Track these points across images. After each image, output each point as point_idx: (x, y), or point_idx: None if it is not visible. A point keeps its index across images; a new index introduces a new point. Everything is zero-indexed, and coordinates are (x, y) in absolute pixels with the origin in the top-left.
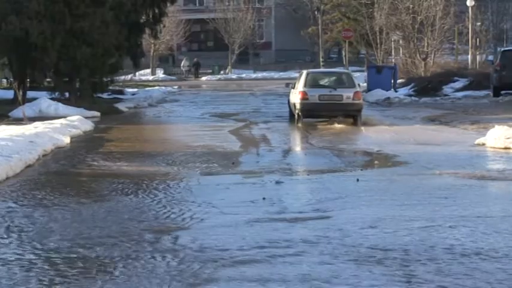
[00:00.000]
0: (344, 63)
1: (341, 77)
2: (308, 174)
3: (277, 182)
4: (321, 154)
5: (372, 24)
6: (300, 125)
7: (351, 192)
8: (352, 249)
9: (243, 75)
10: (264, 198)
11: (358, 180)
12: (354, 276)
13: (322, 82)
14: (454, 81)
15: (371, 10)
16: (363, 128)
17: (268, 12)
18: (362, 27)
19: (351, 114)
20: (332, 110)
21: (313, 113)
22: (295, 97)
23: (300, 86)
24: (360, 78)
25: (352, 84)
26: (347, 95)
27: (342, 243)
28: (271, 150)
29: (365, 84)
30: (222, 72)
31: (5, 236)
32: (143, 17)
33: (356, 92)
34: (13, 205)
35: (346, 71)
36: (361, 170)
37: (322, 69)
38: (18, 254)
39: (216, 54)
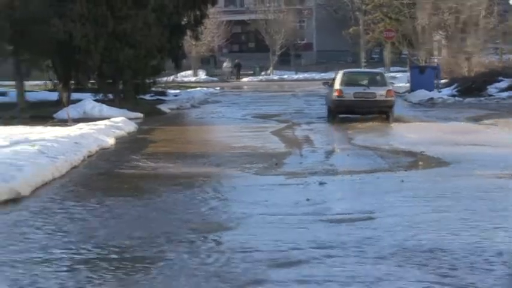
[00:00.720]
0: (386, 63)
1: (374, 77)
2: (352, 175)
3: (321, 183)
4: (365, 155)
5: (414, 24)
6: (340, 125)
7: (396, 193)
8: (397, 250)
9: (285, 76)
10: (307, 199)
11: (402, 181)
12: (400, 278)
13: (357, 81)
14: (498, 81)
15: (413, 10)
16: (405, 128)
17: (309, 13)
18: (404, 27)
19: (383, 111)
20: (366, 106)
21: (348, 109)
22: (332, 95)
23: (336, 84)
24: (403, 78)
25: (384, 83)
26: (380, 92)
27: (388, 244)
28: (314, 151)
29: (408, 84)
30: (263, 73)
31: (51, 236)
32: (185, 19)
33: (388, 90)
34: (59, 205)
35: (379, 71)
36: (405, 170)
37: (357, 69)
38: (63, 253)
39: (257, 56)
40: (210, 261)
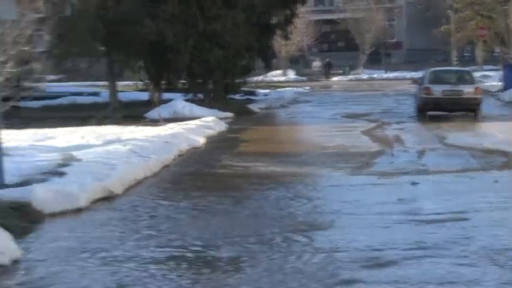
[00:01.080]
0: (477, 62)
1: (462, 75)
2: (444, 175)
3: (413, 183)
4: (457, 154)
5: (507, 21)
6: (430, 124)
7: (488, 194)
8: (491, 252)
9: (374, 76)
10: (399, 199)
11: (496, 181)
12: (496, 279)
13: (445, 79)
14: None
15: (505, 7)
16: (497, 127)
17: (399, 12)
18: (496, 25)
19: (471, 108)
20: (454, 104)
21: (436, 106)
22: (421, 93)
23: (425, 82)
24: (495, 77)
25: (472, 81)
26: (468, 90)
27: (481, 244)
28: (405, 151)
29: (500, 83)
30: (352, 72)
31: (142, 234)
32: (274, 19)
33: (476, 88)
34: (151, 204)
35: (466, 69)
36: (499, 170)
37: (445, 68)
38: (155, 252)
39: (347, 55)
40: (301, 261)
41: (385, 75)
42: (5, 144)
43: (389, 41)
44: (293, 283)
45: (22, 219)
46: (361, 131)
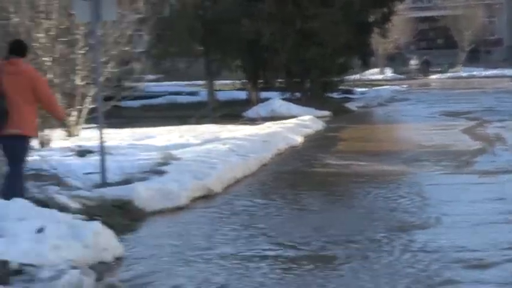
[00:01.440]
0: None
1: None
2: None
3: None
4: None
5: None
6: None
7: None
8: None
9: (474, 73)
10: (501, 199)
11: None
12: None
13: None
14: None
15: None
16: None
17: (499, 8)
18: None
19: None
20: None
21: None
22: None
23: None
24: None
25: None
26: None
27: None
28: (507, 150)
29: None
30: (451, 70)
31: (241, 232)
32: (372, 16)
33: None
34: (250, 203)
35: None
36: None
37: None
38: (253, 250)
39: (445, 52)
40: (402, 260)
41: (485, 73)
42: (107, 143)
43: (489, 38)
44: (392, 283)
45: (124, 217)
46: (460, 129)
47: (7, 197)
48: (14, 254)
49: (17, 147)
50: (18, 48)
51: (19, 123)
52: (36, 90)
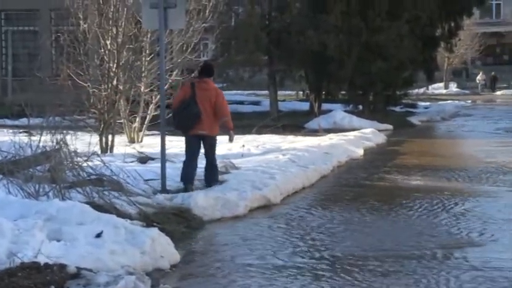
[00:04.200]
0: None
1: None
2: None
3: None
4: None
5: None
6: None
7: None
8: None
9: None
10: None
11: None
12: None
13: None
14: None
15: None
16: None
17: None
18: None
19: None
20: None
21: None
22: None
23: None
24: None
25: None
26: None
27: None
28: None
29: None
30: None
31: (296, 244)
32: (438, 31)
33: None
34: (307, 215)
35: None
36: None
37: None
38: (305, 262)
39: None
40: (455, 278)
41: None
42: (168, 151)
43: None
44: None
45: (182, 224)
46: None
47: (209, 183)
48: (72, 258)
49: (209, 144)
50: (208, 70)
51: (207, 126)
52: (217, 102)
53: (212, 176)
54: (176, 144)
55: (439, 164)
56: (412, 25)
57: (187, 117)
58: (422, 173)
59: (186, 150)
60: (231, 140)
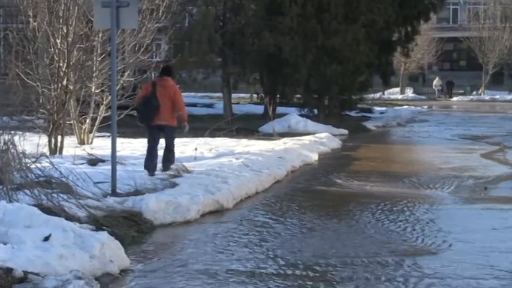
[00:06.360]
0: None
1: None
2: None
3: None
4: None
5: None
6: None
7: None
8: None
9: (497, 97)
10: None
11: None
12: None
13: None
14: None
15: None
16: None
17: None
18: None
19: None
20: None
21: None
22: None
23: None
24: None
25: None
26: None
27: None
28: None
29: None
30: (474, 93)
31: (248, 249)
32: (395, 35)
33: None
34: (259, 220)
35: None
36: None
37: None
38: (260, 267)
39: (468, 74)
40: (401, 286)
41: (509, 97)
42: (119, 153)
43: None
44: None
45: (132, 228)
46: (480, 153)
47: (166, 166)
48: (19, 261)
49: (167, 133)
50: (168, 71)
51: (166, 117)
52: (174, 98)
53: (168, 159)
54: (127, 146)
55: (394, 170)
56: (368, 29)
57: (148, 110)
58: (376, 178)
59: (148, 140)
60: (184, 129)
